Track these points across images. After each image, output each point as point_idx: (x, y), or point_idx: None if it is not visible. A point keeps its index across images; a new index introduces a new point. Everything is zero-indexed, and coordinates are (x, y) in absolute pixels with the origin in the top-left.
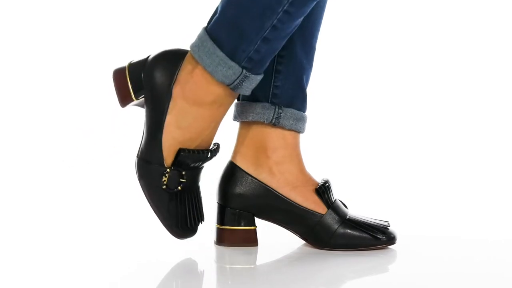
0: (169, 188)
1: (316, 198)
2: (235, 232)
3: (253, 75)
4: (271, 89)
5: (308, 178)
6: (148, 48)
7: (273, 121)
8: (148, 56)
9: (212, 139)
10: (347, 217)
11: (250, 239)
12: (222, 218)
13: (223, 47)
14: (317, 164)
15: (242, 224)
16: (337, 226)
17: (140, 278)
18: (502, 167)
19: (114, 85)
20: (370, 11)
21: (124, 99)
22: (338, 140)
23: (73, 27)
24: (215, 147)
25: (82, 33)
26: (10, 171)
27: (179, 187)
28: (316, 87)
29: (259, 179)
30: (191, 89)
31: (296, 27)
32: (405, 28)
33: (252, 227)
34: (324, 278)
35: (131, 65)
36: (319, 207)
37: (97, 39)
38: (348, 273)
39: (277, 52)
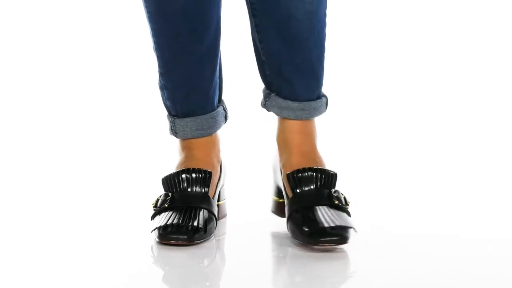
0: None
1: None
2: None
3: (179, 119)
4: (266, 77)
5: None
6: (148, 49)
7: (266, 107)
8: None
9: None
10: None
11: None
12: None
13: None
14: None
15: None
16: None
17: (140, 278)
18: (502, 167)
19: None
20: (374, 9)
21: None
22: (338, 140)
23: (74, 27)
24: (201, 172)
25: (82, 34)
26: (10, 171)
27: (166, 205)
28: None
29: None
30: None
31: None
32: (408, 23)
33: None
34: (324, 278)
35: None
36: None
37: (97, 40)
38: (348, 273)
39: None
